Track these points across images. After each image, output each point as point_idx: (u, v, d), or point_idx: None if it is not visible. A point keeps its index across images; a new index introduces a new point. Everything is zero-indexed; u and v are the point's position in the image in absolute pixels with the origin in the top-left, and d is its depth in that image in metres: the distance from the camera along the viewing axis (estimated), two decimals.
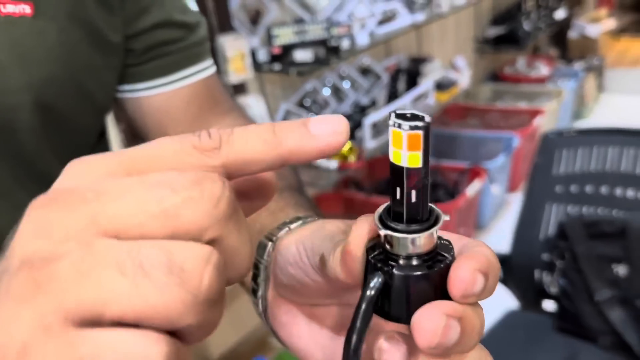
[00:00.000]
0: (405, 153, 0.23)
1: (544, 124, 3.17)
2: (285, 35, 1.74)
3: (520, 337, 1.39)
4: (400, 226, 0.24)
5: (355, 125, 2.11)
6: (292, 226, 0.35)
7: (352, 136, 2.10)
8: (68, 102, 0.49)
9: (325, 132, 0.24)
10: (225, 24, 1.69)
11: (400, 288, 0.25)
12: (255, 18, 1.86)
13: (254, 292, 0.36)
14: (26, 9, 0.44)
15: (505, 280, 1.46)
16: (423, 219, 0.24)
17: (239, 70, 1.68)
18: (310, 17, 1.91)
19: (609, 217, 1.37)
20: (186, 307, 0.19)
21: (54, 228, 0.20)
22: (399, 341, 0.25)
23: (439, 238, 0.25)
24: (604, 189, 1.40)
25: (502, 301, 1.47)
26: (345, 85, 2.24)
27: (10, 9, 0.44)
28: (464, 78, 2.85)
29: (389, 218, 0.25)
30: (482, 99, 3.67)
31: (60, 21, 0.47)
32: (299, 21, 1.87)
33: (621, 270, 1.31)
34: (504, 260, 1.46)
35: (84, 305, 0.19)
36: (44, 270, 0.19)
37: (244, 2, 1.80)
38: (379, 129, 2.17)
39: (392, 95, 2.40)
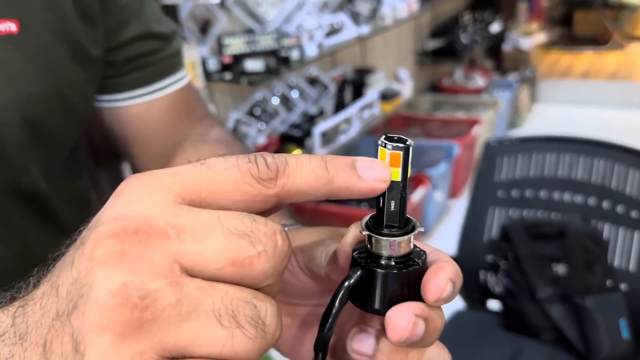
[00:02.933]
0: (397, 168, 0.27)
1: (481, 133, 3.29)
2: (236, 45, 1.75)
3: (468, 335, 1.44)
4: (379, 230, 0.28)
5: (305, 134, 2.14)
6: None
7: (302, 144, 2.13)
8: (53, 117, 0.49)
9: (372, 177, 0.26)
10: None
11: (374, 282, 0.28)
12: (204, 27, 1.86)
13: None
14: (12, 27, 0.45)
15: None
16: (401, 226, 0.28)
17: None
18: (260, 28, 1.94)
19: (548, 219, 1.45)
20: (262, 353, 0.22)
21: (140, 263, 0.21)
22: (368, 333, 0.29)
23: (416, 247, 0.29)
24: (542, 193, 1.48)
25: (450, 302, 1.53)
26: (294, 94, 2.27)
27: None
28: (406, 89, 2.93)
29: (374, 224, 0.29)
30: (423, 109, 3.78)
31: (46, 38, 0.47)
32: (249, 31, 1.89)
33: (560, 269, 1.39)
34: None
35: (181, 345, 0.21)
36: (147, 312, 0.20)
37: (193, 11, 1.80)
38: (328, 137, 2.20)
39: (339, 105, 2.45)
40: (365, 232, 0.28)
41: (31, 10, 0.46)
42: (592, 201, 1.43)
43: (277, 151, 2.06)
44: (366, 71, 2.79)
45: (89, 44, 0.51)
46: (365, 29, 2.36)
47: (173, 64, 0.59)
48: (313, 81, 2.38)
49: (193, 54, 1.67)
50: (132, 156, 0.61)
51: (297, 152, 2.03)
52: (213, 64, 1.78)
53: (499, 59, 4.65)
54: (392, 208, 0.27)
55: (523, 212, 1.49)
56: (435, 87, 4.05)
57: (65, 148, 0.55)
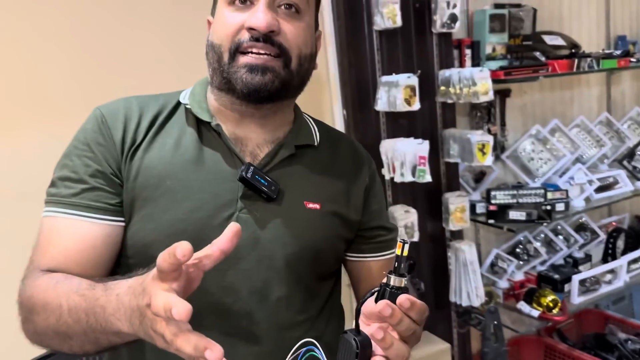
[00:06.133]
0: (400, 251, 0.64)
1: None
2: (502, 197, 2.01)
3: None
4: (390, 273, 0.66)
5: (564, 279, 2.22)
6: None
7: (560, 289, 2.21)
8: (325, 252, 0.93)
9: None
10: (451, 183, 2.03)
11: (380, 292, 0.66)
12: (479, 177, 2.16)
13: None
14: (317, 206, 0.91)
15: None
16: (400, 273, 0.65)
17: (458, 220, 1.98)
18: (529, 180, 2.14)
19: None
20: None
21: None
22: (381, 327, 0.65)
23: (409, 288, 0.66)
24: None
25: None
26: (558, 238, 2.38)
27: (311, 205, 0.90)
28: None
29: (391, 270, 0.66)
30: None
31: (331, 214, 0.92)
32: (516, 186, 2.10)
33: None
34: None
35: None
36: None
37: (471, 165, 2.12)
38: (588, 286, 2.24)
39: (610, 254, 2.45)
40: (385, 273, 0.66)
41: (327, 200, 0.92)
42: None
43: (531, 291, 2.19)
44: None
45: (351, 223, 0.97)
46: None
47: (390, 244, 1.03)
48: (581, 226, 2.46)
49: (463, 200, 1.97)
50: (355, 290, 1.06)
51: (552, 296, 2.13)
52: (480, 208, 2.05)
53: None
54: (396, 265, 0.65)
55: None
56: None
57: (328, 266, 0.97)
